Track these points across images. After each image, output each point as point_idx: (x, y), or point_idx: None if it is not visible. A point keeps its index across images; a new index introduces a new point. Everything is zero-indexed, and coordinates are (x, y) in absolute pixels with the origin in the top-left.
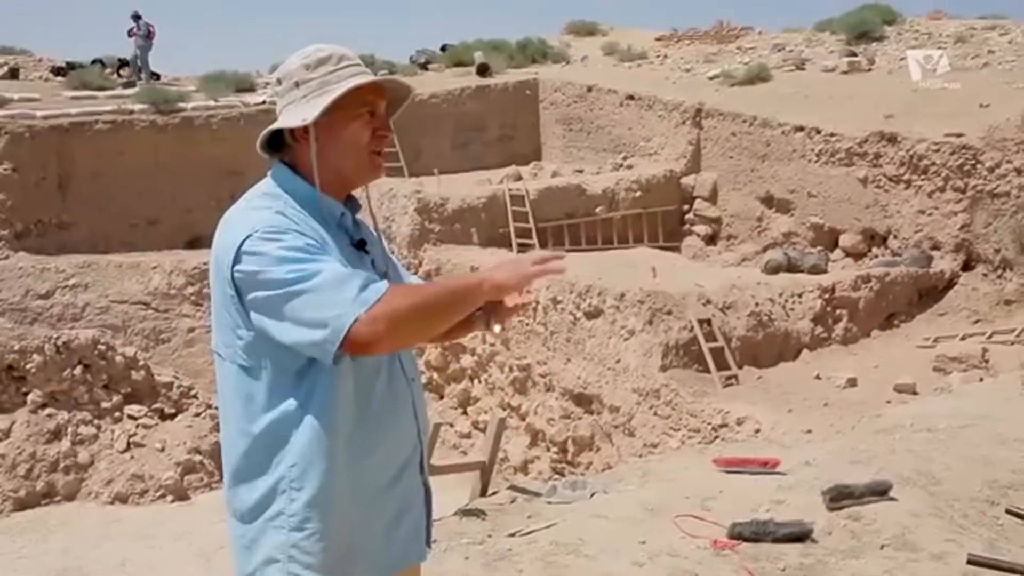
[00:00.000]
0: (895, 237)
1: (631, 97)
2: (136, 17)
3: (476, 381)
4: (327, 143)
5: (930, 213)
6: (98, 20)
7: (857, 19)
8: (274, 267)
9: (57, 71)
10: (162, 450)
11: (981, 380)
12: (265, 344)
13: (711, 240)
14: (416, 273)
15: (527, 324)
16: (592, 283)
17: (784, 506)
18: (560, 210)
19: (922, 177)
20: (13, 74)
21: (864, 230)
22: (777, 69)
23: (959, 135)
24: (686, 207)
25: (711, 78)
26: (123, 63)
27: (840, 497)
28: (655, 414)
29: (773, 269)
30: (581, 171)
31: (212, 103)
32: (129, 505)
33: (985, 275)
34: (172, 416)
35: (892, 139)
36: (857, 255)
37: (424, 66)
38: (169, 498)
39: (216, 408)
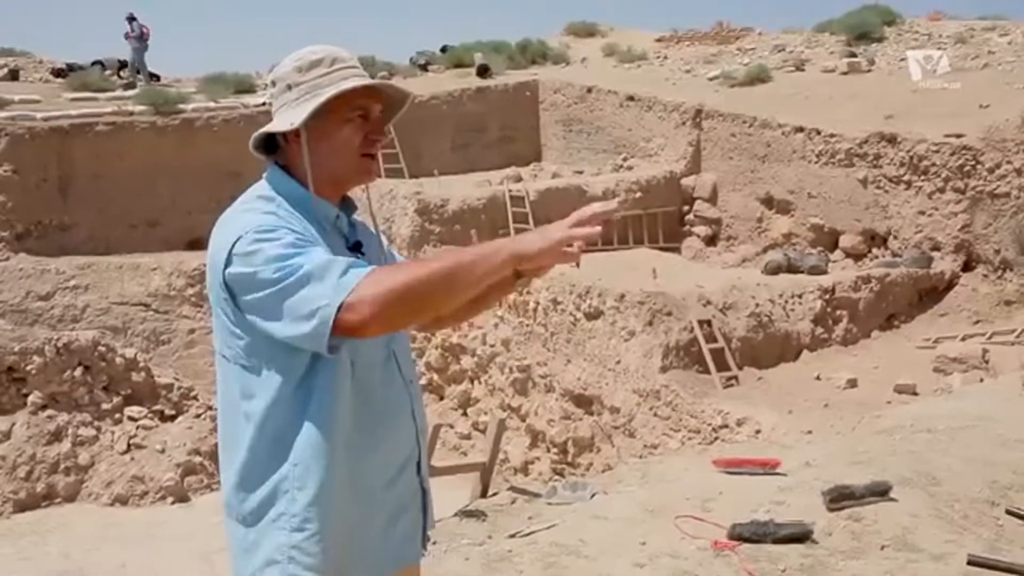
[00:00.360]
0: (895, 238)
1: (631, 98)
2: (131, 19)
3: (476, 382)
4: (319, 146)
5: (930, 214)
6: (98, 22)
7: (857, 20)
8: (262, 267)
9: (57, 73)
10: (162, 452)
11: (981, 381)
12: (264, 344)
13: (711, 241)
14: None
15: (527, 325)
16: (592, 284)
17: (784, 507)
18: (560, 211)
19: (922, 178)
20: (13, 76)
21: (864, 231)
22: (777, 70)
23: (959, 136)
24: (686, 208)
25: (711, 79)
26: (123, 65)
27: (840, 498)
28: (655, 415)
29: (773, 270)
30: (581, 172)
31: (212, 104)
32: (129, 507)
33: (985, 276)
34: (172, 418)
35: (892, 140)
36: (857, 256)
37: (424, 67)
38: (169, 500)
39: (216, 409)
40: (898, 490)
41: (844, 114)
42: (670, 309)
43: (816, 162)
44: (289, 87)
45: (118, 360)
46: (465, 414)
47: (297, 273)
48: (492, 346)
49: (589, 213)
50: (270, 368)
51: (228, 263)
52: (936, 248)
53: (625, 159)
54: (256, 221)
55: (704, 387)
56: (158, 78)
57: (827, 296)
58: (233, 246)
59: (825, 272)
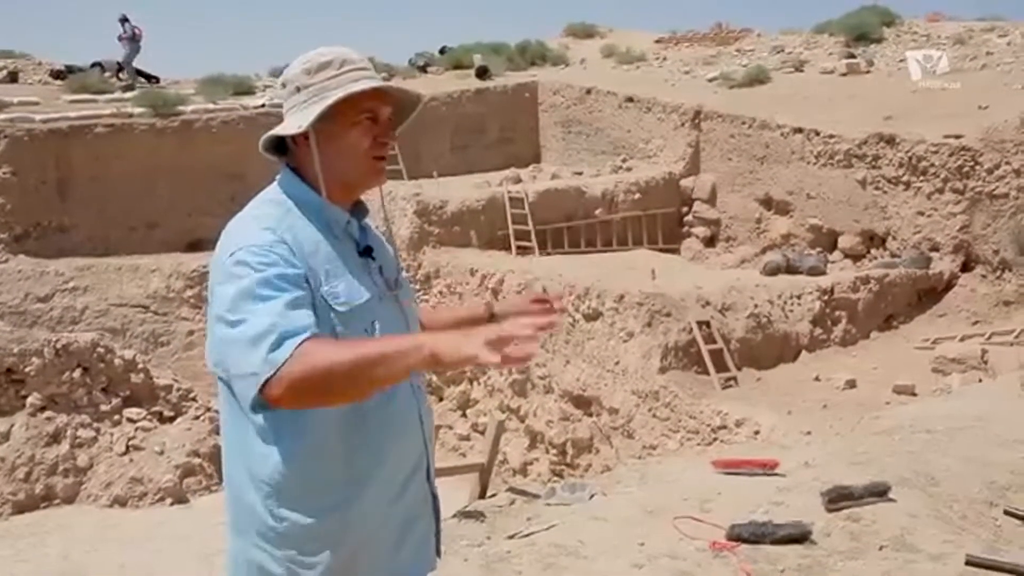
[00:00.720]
0: (894, 238)
1: (630, 99)
2: (123, 20)
3: (475, 383)
4: (328, 148)
5: (929, 214)
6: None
7: (856, 21)
8: (227, 303)
9: (56, 75)
10: (161, 453)
11: (980, 381)
12: None
13: (710, 242)
14: (416, 276)
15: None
16: (591, 285)
17: (783, 507)
18: (559, 212)
19: (921, 178)
20: (12, 78)
21: (863, 231)
22: (776, 71)
23: (958, 136)
24: (685, 209)
25: (710, 80)
26: (121, 66)
27: (839, 498)
28: (654, 416)
29: (772, 271)
30: (580, 173)
31: (211, 106)
32: (128, 508)
33: (984, 276)
34: (171, 419)
35: (891, 141)
36: (856, 256)
37: (423, 69)
38: (168, 501)
39: (215, 411)
40: (897, 490)
41: (843, 115)
42: (669, 310)
43: (815, 163)
44: (298, 89)
45: (117, 362)
46: (464, 415)
47: (240, 327)
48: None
49: (526, 330)
50: None
51: (219, 272)
52: (935, 249)
53: (624, 160)
54: (252, 239)
55: (703, 388)
56: (157, 80)
57: (826, 297)
58: (227, 259)
59: (824, 273)
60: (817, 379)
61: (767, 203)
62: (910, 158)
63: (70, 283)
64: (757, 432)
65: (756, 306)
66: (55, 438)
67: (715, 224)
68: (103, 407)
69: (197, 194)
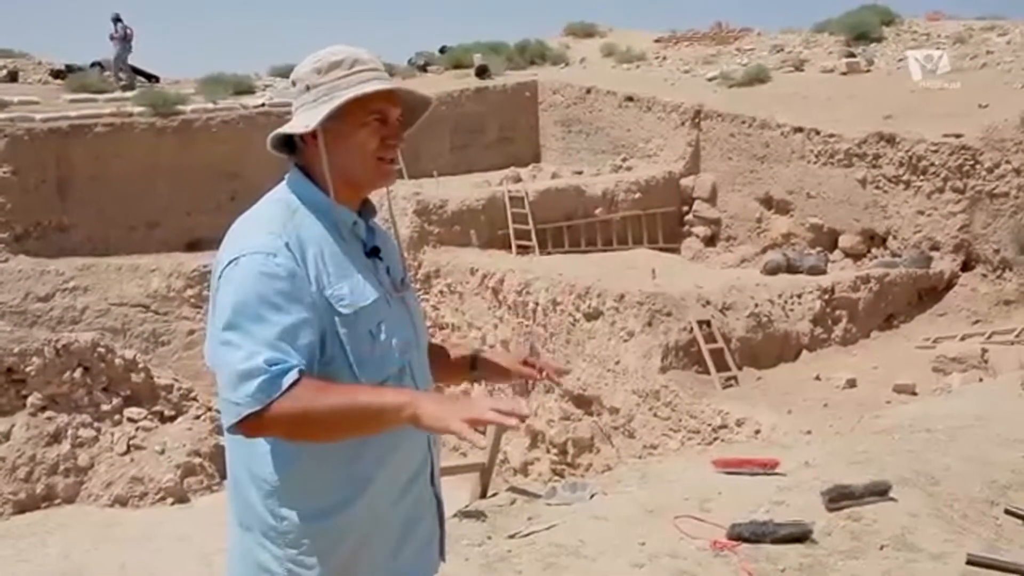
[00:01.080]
0: (894, 238)
1: (630, 99)
2: (116, 19)
3: (475, 382)
4: (336, 148)
5: (929, 214)
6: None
7: (855, 20)
8: (224, 316)
9: (56, 74)
10: (162, 452)
11: (980, 380)
12: None
13: (710, 241)
14: (415, 276)
15: (526, 326)
16: (591, 285)
17: (783, 507)
18: (559, 212)
19: (921, 178)
20: (12, 77)
21: (863, 231)
22: (776, 70)
23: (958, 136)
24: (685, 208)
25: (710, 79)
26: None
27: (839, 498)
28: (655, 415)
29: (772, 270)
30: (580, 173)
31: (211, 106)
32: (129, 508)
33: (984, 275)
34: (172, 418)
35: (891, 140)
36: (856, 256)
37: (423, 68)
38: (169, 500)
39: (216, 410)
40: (897, 490)
41: (843, 114)
42: (669, 309)
43: (815, 162)
44: (308, 88)
45: (117, 361)
46: None
47: (233, 353)
48: (492, 346)
49: (507, 407)
50: None
51: (219, 278)
52: (935, 248)
53: (624, 159)
54: (256, 245)
55: (703, 387)
56: (157, 79)
57: (826, 296)
58: (226, 267)
59: (824, 272)
60: (817, 378)
61: (767, 202)
62: (910, 157)
63: (70, 283)
64: (758, 431)
65: (756, 305)
66: (56, 438)
67: (715, 223)
68: (104, 407)
69: (197, 193)
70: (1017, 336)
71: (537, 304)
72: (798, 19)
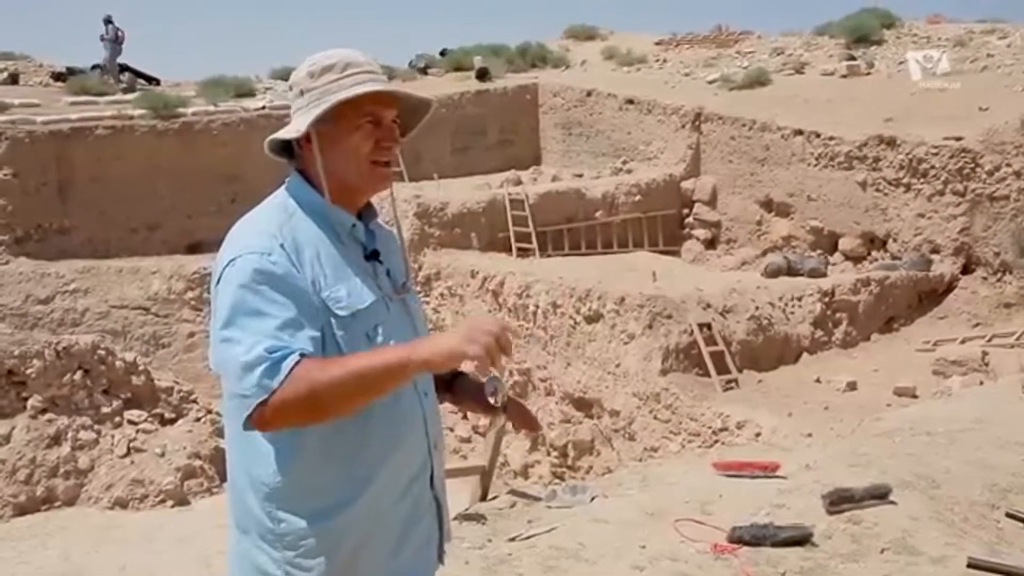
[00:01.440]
0: (895, 240)
1: (630, 101)
2: (108, 21)
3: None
4: (330, 152)
5: (929, 216)
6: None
7: (856, 23)
8: (224, 315)
9: (57, 76)
10: (162, 455)
11: (981, 383)
12: None
13: (711, 244)
14: (416, 278)
15: (527, 328)
16: (592, 287)
17: (784, 510)
18: (560, 214)
19: (921, 180)
20: (13, 79)
21: (864, 233)
22: (776, 73)
23: (958, 138)
24: (686, 211)
25: (710, 82)
26: (122, 68)
27: (840, 501)
28: (655, 418)
29: (773, 273)
30: (581, 175)
31: (212, 108)
32: (129, 510)
33: (985, 278)
34: (172, 421)
35: (891, 143)
36: (857, 258)
37: (423, 71)
38: (169, 503)
39: (216, 413)
40: (898, 493)
41: (843, 117)
42: (670, 312)
43: (815, 165)
44: (302, 92)
45: (118, 364)
46: (465, 417)
47: (234, 348)
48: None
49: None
50: None
51: (217, 282)
52: (935, 251)
53: (625, 162)
54: (253, 245)
55: (704, 390)
56: (158, 82)
57: (827, 299)
58: (224, 268)
59: (825, 275)
60: (818, 381)
61: (768, 205)
62: (910, 160)
63: (71, 285)
64: (758, 434)
65: (757, 308)
66: (56, 440)
67: (716, 226)
68: (104, 409)
69: (198, 196)
70: (1017, 339)
71: (537, 307)
72: (798, 22)
